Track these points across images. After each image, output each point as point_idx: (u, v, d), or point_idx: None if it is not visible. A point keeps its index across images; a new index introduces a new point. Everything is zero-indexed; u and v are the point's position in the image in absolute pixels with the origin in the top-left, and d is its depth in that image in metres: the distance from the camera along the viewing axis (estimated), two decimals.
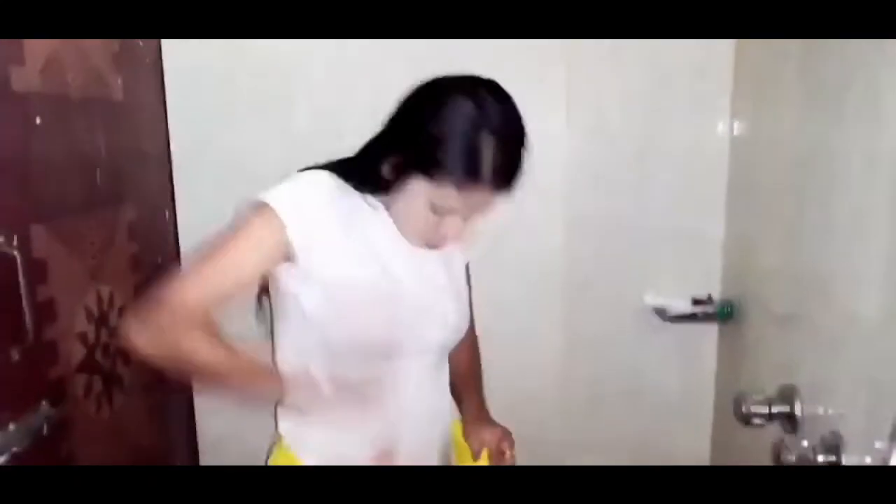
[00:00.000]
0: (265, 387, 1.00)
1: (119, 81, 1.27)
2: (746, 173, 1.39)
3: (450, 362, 1.22)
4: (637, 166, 1.47)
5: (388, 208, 1.02)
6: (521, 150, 0.97)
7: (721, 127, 1.45)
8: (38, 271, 0.99)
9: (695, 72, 1.44)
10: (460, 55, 1.11)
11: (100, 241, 1.18)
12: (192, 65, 1.43)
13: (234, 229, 0.96)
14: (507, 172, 0.95)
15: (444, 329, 1.10)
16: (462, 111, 0.93)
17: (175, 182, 1.46)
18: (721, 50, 1.41)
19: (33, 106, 1.01)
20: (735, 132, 1.43)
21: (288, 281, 1.00)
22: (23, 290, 0.94)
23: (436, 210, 0.96)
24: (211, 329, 0.95)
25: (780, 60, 1.19)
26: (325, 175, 1.02)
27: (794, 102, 1.15)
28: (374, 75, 1.38)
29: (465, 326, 1.14)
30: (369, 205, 1.02)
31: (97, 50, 1.19)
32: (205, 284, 0.94)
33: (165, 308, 0.91)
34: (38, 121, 1.02)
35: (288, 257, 0.96)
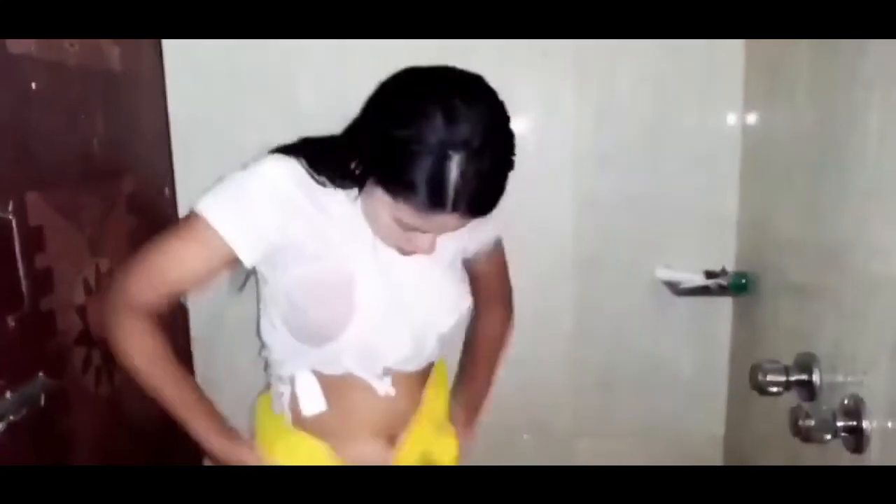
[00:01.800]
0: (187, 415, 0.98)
1: (117, 52, 1.25)
2: (761, 142, 1.36)
3: (473, 324, 1.16)
4: (649, 141, 1.45)
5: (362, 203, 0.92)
6: (498, 171, 0.82)
7: (734, 100, 1.42)
8: (34, 239, 0.97)
9: (706, 47, 1.41)
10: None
11: (98, 214, 1.15)
12: (191, 39, 1.40)
13: (178, 231, 0.97)
14: (477, 198, 0.80)
15: (396, 351, 0.99)
16: (426, 124, 0.77)
17: (175, 157, 1.44)
18: None
19: (29, 70, 0.98)
20: (748, 104, 1.41)
21: (260, 267, 0.99)
22: (18, 256, 0.92)
23: (399, 224, 0.85)
24: (154, 328, 0.94)
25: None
26: (284, 168, 0.92)
27: (807, 73, 1.13)
28: (379, 51, 1.35)
29: (421, 359, 1.03)
30: (346, 195, 0.93)
31: None
32: (147, 278, 0.95)
33: (108, 291, 0.95)
34: (33, 86, 0.99)
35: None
